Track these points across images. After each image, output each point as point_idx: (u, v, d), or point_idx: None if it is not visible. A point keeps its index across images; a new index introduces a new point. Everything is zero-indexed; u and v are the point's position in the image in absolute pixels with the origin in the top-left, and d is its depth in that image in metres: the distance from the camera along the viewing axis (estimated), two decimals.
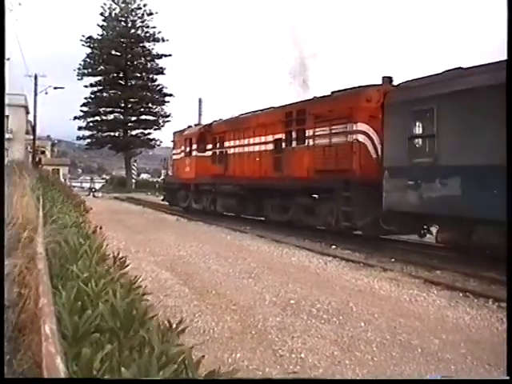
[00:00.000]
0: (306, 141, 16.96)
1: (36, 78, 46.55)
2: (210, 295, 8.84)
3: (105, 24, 64.63)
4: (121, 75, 65.86)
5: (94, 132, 66.84)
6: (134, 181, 63.00)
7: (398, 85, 14.59)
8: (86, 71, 65.44)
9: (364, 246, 14.08)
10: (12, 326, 3.38)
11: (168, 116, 67.30)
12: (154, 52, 65.94)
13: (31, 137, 51.85)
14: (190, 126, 28.97)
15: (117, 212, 25.90)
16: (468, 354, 6.13)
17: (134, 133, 66.38)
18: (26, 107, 59.84)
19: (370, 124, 14.48)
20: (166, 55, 65.81)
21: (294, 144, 17.85)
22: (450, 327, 7.26)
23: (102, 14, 64.52)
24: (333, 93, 16.93)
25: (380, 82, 15.24)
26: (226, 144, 22.54)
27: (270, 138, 19.13)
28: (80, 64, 65.48)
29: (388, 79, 15.30)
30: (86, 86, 65.81)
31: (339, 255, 13.20)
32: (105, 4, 64.14)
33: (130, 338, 2.85)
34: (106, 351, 2.35)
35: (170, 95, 67.11)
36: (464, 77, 11.86)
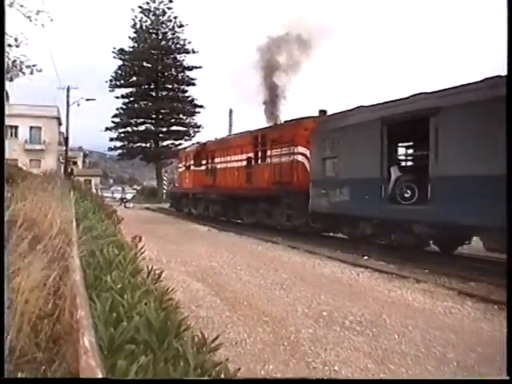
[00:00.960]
0: (267, 159, 21.60)
1: (68, 90, 47.31)
2: (242, 306, 8.82)
3: (136, 36, 65.49)
4: (152, 86, 66.56)
5: (126, 143, 67.58)
6: (164, 191, 63.49)
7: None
8: (117, 83, 66.38)
9: (397, 256, 13.91)
10: (46, 336, 3.41)
11: (199, 127, 67.77)
12: (184, 63, 66.58)
13: (64, 148, 52.67)
14: (193, 144, 34.85)
15: (148, 222, 26.10)
16: (504, 367, 5.99)
17: (164, 143, 66.88)
18: (58, 119, 61.01)
19: (307, 147, 18.54)
20: (196, 67, 66.38)
21: (259, 161, 22.51)
22: (485, 340, 7.12)
23: (133, 27, 65.47)
24: (284, 122, 22.65)
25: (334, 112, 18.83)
26: (215, 160, 27.36)
27: (244, 156, 23.79)
28: (112, 76, 66.51)
29: (323, 112, 19.93)
30: (117, 98, 66.75)
31: (372, 266, 13.08)
32: (136, 17, 65.09)
33: (165, 350, 2.86)
34: (141, 363, 2.35)
35: (201, 106, 67.59)
36: (357, 114, 15.88)
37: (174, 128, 67.17)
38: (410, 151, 17.04)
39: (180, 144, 66.31)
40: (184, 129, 67.56)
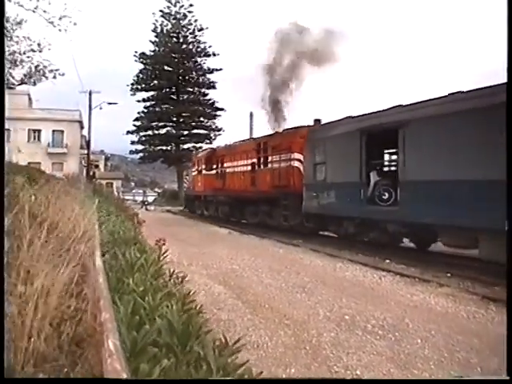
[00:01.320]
0: (268, 164, 23.45)
1: (90, 94, 47.65)
2: (264, 309, 8.81)
3: (157, 40, 65.91)
4: (173, 90, 66.88)
5: (147, 146, 67.93)
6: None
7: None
8: (138, 86, 66.81)
9: (419, 260, 13.80)
10: (69, 339, 3.43)
11: (220, 130, 67.91)
12: (205, 66, 66.80)
13: (85, 151, 53.08)
14: (205, 149, 37.27)
15: (169, 225, 26.21)
16: None
17: (186, 146, 67.04)
18: (80, 122, 61.55)
19: (302, 153, 20.16)
20: (217, 69, 66.55)
21: (262, 167, 24.25)
22: None
23: (154, 31, 65.89)
24: (283, 130, 24.48)
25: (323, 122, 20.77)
26: (224, 165, 29.05)
27: (249, 161, 25.59)
28: (133, 79, 66.96)
29: (317, 121, 21.37)
30: (138, 101, 67.21)
31: (393, 270, 12.98)
32: (157, 20, 65.48)
33: (187, 353, 2.86)
34: (164, 366, 2.35)
35: (222, 109, 67.72)
36: (342, 124, 17.94)
37: (195, 131, 67.43)
38: (386, 158, 18.69)
39: (201, 147, 66.60)
40: (205, 132, 67.81)
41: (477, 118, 11.62)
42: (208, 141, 67.44)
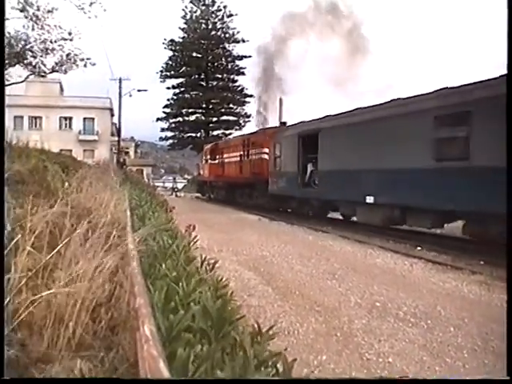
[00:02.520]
0: (249, 156, 29.52)
1: (120, 81, 48.01)
2: (294, 296, 8.79)
3: (186, 27, 66.03)
4: (202, 77, 67.11)
5: (176, 133, 68.44)
6: None
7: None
8: (168, 73, 67.23)
9: (451, 247, 13.63)
10: (105, 324, 3.46)
11: (249, 116, 67.98)
12: (234, 53, 66.70)
13: (116, 138, 53.59)
14: (212, 143, 43.27)
15: (199, 211, 26.31)
16: None
17: (215, 133, 67.34)
18: (111, 110, 62.07)
19: (269, 149, 26.19)
20: (246, 56, 66.36)
21: (245, 158, 30.27)
22: None
23: (183, 17, 66.02)
24: (259, 130, 33.02)
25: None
26: (223, 156, 35.06)
27: (238, 153, 31.57)
28: (162, 66, 67.29)
29: (283, 124, 29.69)
30: (168, 88, 67.69)
31: (425, 257, 12.85)
32: (186, 7, 65.62)
33: (221, 339, 2.85)
34: (199, 352, 2.35)
35: (251, 96, 67.57)
36: (290, 128, 25.26)
37: (224, 118, 67.62)
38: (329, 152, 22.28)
39: (230, 134, 66.63)
40: (234, 118, 67.93)
41: (357, 128, 17.98)
42: (237, 127, 67.69)
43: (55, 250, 3.93)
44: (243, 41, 66.28)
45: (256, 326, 3.18)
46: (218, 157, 36.36)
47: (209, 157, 38.68)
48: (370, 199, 16.79)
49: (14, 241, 3.54)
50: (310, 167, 22.27)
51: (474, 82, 13.29)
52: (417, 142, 14.61)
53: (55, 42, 25.87)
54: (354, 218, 19.55)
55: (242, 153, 30.85)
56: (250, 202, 29.39)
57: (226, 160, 34.10)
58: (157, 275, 4.00)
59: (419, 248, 14.20)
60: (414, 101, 15.65)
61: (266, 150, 26.75)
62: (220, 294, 3.76)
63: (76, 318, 3.22)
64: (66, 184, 8.20)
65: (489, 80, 12.49)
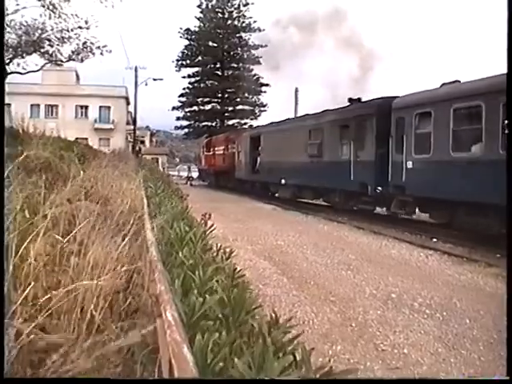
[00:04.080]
0: (228, 150, 38.57)
1: (136, 70, 48.00)
2: (309, 285, 8.82)
3: (202, 16, 65.69)
4: (218, 66, 66.75)
5: (192, 122, 68.25)
6: None
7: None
8: (184, 62, 66.91)
9: (467, 239, 13.53)
10: (122, 310, 3.48)
11: (264, 106, 67.58)
12: (250, 42, 66.33)
13: (131, 127, 53.67)
14: (207, 137, 52.75)
15: (213, 200, 26.35)
16: None
17: (230, 123, 67.02)
18: (126, 98, 62.11)
19: (239, 145, 35.41)
20: (262, 46, 65.93)
21: (226, 152, 39.21)
22: None
23: (199, 6, 65.66)
24: (234, 130, 45.72)
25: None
26: (213, 149, 43.70)
27: (222, 147, 40.56)
28: (178, 56, 67.08)
29: (250, 126, 51.92)
30: (183, 77, 67.42)
31: (441, 249, 12.79)
32: None
33: (238, 326, 2.86)
34: (218, 339, 2.36)
35: (267, 85, 67.28)
36: (246, 132, 37.88)
37: (239, 107, 67.19)
38: (265, 149, 30.65)
39: (246, 123, 66.44)
40: (250, 108, 67.52)
41: (278, 134, 27.74)
42: (253, 117, 67.31)
43: (70, 235, 3.97)
44: (259, 30, 65.86)
45: (273, 315, 3.19)
46: (210, 150, 45.14)
47: (205, 149, 47.93)
48: (283, 181, 26.49)
49: (39, 228, 3.56)
50: (258, 159, 31.30)
51: (326, 110, 23.27)
52: (302, 145, 24.12)
53: (72, 30, 25.84)
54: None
55: (224, 147, 40.00)
56: (228, 184, 38.61)
57: (216, 153, 42.86)
58: (174, 263, 4.02)
59: (435, 240, 14.12)
60: (301, 119, 27.47)
61: (235, 146, 36.61)
62: (236, 283, 3.77)
63: (95, 304, 3.24)
64: (82, 173, 8.24)
65: (336, 109, 22.48)
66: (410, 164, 15.74)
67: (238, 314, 2.87)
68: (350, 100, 21.43)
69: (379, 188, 17.21)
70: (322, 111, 23.29)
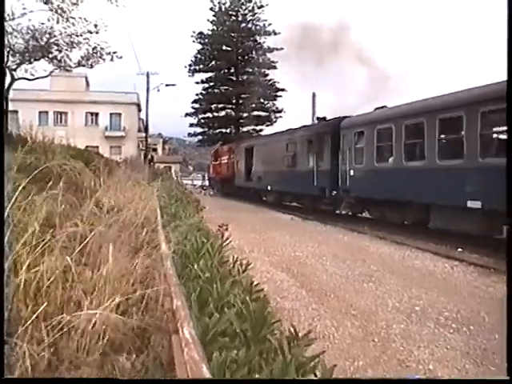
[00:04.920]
0: (230, 160, 43.01)
1: (148, 75, 48.26)
2: (329, 298, 8.78)
3: (215, 19, 65.91)
4: (232, 71, 66.88)
5: (206, 129, 68.45)
6: None
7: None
8: (197, 67, 67.11)
9: (494, 249, 13.40)
10: (135, 325, 3.49)
11: (280, 111, 67.56)
12: (265, 46, 66.35)
13: (143, 134, 53.90)
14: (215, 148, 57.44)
15: (229, 210, 26.37)
16: None
17: (245, 129, 67.05)
18: (138, 105, 62.40)
19: (237, 155, 40.76)
20: (277, 49, 65.92)
21: (229, 161, 43.57)
22: None
23: (212, 9, 65.89)
24: (235, 142, 47.11)
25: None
26: (221, 158, 47.16)
27: (226, 157, 44.96)
28: (191, 60, 67.31)
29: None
30: (197, 83, 67.61)
31: (467, 259, 12.67)
32: None
33: (257, 342, 2.86)
34: (236, 356, 2.36)
35: (283, 90, 67.31)
36: (242, 143, 42.50)
37: (254, 113, 67.13)
38: (256, 159, 35.90)
39: (261, 130, 66.43)
40: (265, 114, 67.52)
41: (264, 147, 33.96)
42: (268, 123, 67.29)
43: (78, 248, 3.98)
44: (274, 33, 65.85)
45: (292, 329, 3.18)
46: (217, 159, 49.18)
47: (213, 158, 52.51)
48: (269, 187, 32.03)
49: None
50: (252, 169, 36.18)
51: (303, 126, 29.89)
52: (282, 156, 29.48)
53: (81, 35, 25.85)
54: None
55: (227, 157, 44.48)
56: (230, 190, 42.87)
57: (222, 162, 46.81)
58: (189, 276, 4.02)
59: (460, 249, 14.01)
60: (281, 133, 32.54)
61: (234, 156, 42.10)
62: (255, 298, 3.76)
63: (105, 319, 3.25)
64: (92, 182, 8.29)
65: (305, 126, 30.18)
66: (352, 172, 21.06)
67: (258, 329, 2.86)
68: (318, 118, 29.28)
69: (334, 192, 22.43)
70: (298, 127, 29.80)
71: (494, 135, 14.25)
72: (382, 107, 20.57)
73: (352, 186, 20.91)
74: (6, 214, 3.65)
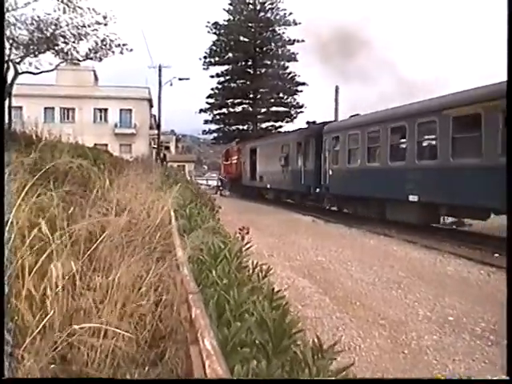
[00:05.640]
0: (239, 160, 46.56)
1: (160, 69, 48.34)
2: (354, 307, 8.73)
3: (231, 8, 65.84)
4: (249, 63, 66.78)
5: (221, 125, 68.52)
6: None
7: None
8: (212, 60, 67.11)
9: None
10: (149, 335, 3.46)
11: (301, 107, 67.41)
12: (285, 37, 66.10)
13: (155, 131, 53.97)
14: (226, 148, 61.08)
15: (247, 212, 26.37)
16: None
17: (264, 126, 66.99)
18: (149, 100, 62.52)
19: (244, 156, 45.14)
20: (298, 40, 65.69)
21: (238, 161, 47.00)
22: None
23: None
24: (242, 143, 51.51)
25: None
26: (232, 158, 50.98)
27: (235, 157, 48.55)
28: (206, 53, 67.25)
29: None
30: (212, 76, 67.69)
31: (504, 266, 12.50)
32: None
33: (278, 353, 2.82)
34: (257, 368, 2.32)
35: (303, 84, 67.13)
36: (246, 144, 46.62)
37: (273, 108, 66.99)
38: (259, 159, 40.44)
39: (280, 126, 66.25)
40: (285, 109, 67.33)
41: (266, 148, 38.52)
42: (288, 119, 67.10)
43: (87, 253, 3.97)
44: (295, 23, 65.65)
45: (316, 340, 3.14)
46: (228, 159, 53.43)
47: (224, 159, 56.74)
48: (268, 186, 36.77)
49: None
50: (258, 168, 40.08)
51: (291, 130, 40.20)
52: (277, 157, 34.09)
53: (89, 26, 25.60)
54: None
55: (237, 157, 48.21)
56: (238, 190, 46.75)
57: (232, 162, 50.76)
58: (206, 282, 4.00)
59: (497, 255, 13.83)
60: (279, 135, 44.73)
61: (241, 157, 46.33)
62: (276, 305, 3.72)
63: (117, 328, 3.22)
64: (101, 182, 8.30)
65: (297, 129, 35.88)
66: (330, 172, 25.79)
67: (279, 339, 2.82)
68: (307, 122, 32.80)
69: (318, 189, 27.42)
70: (293, 130, 38.58)
71: (426, 142, 18.71)
72: (356, 115, 25.96)
73: (331, 184, 25.83)
74: (11, 215, 3.65)
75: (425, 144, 18.65)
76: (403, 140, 19.53)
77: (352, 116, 26.34)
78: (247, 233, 6.64)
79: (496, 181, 10.41)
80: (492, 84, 14.36)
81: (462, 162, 15.75)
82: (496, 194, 10.98)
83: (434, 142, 17.69)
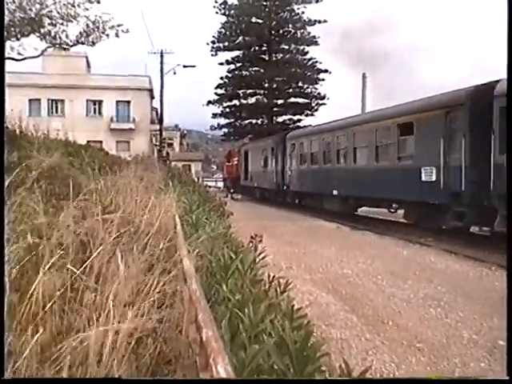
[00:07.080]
0: (239, 161, 53.82)
1: (162, 55, 48.33)
2: (387, 327, 8.68)
3: None
4: (264, 48, 66.51)
5: (232, 119, 68.35)
6: None
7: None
8: (221, 45, 66.76)
9: None
10: (151, 359, 3.41)
11: (323, 98, 66.84)
12: (304, 17, 65.64)
13: (157, 127, 53.95)
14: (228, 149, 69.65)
15: (261, 217, 26.41)
16: None
17: (280, 119, 66.78)
18: (150, 91, 62.47)
19: (240, 157, 53.92)
20: (320, 21, 65.19)
21: (237, 162, 54.93)
22: None
23: None
24: (242, 145, 60.46)
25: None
26: (233, 160, 57.24)
27: (236, 159, 55.64)
28: (214, 36, 66.96)
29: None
30: (221, 64, 67.64)
31: None
32: None
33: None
34: None
35: (326, 71, 66.74)
36: (241, 147, 57.72)
37: (291, 100, 66.62)
38: (250, 161, 48.72)
39: (300, 120, 65.91)
40: (305, 100, 66.88)
41: (255, 150, 47.98)
42: (309, 111, 66.73)
43: (83, 267, 3.93)
44: (316, 1, 65.05)
45: (344, 366, 3.08)
46: (230, 160, 59.96)
47: (226, 160, 63.81)
48: (255, 184, 45.31)
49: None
50: (251, 169, 47.62)
51: (271, 136, 47.31)
52: (261, 159, 43.61)
53: (79, 6, 24.91)
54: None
55: (237, 158, 54.76)
56: (237, 190, 53.16)
57: (233, 163, 57.11)
58: (216, 298, 3.96)
59: None
60: (261, 140, 48.98)
61: (239, 159, 53.60)
62: (297, 325, 3.67)
63: (110, 352, 3.17)
64: (98, 185, 8.30)
65: (273, 135, 47.23)
66: (289, 172, 36.27)
67: (302, 364, 2.76)
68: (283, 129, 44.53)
69: (284, 187, 37.18)
70: (273, 135, 45.88)
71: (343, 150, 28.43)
72: (309, 126, 43.46)
73: (290, 182, 36.45)
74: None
75: (342, 151, 28.38)
76: (330, 146, 29.96)
77: (305, 126, 43.06)
78: (260, 241, 6.60)
79: (395, 179, 21.07)
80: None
81: (362, 164, 25.55)
82: (393, 188, 21.35)
83: (345, 150, 27.71)
